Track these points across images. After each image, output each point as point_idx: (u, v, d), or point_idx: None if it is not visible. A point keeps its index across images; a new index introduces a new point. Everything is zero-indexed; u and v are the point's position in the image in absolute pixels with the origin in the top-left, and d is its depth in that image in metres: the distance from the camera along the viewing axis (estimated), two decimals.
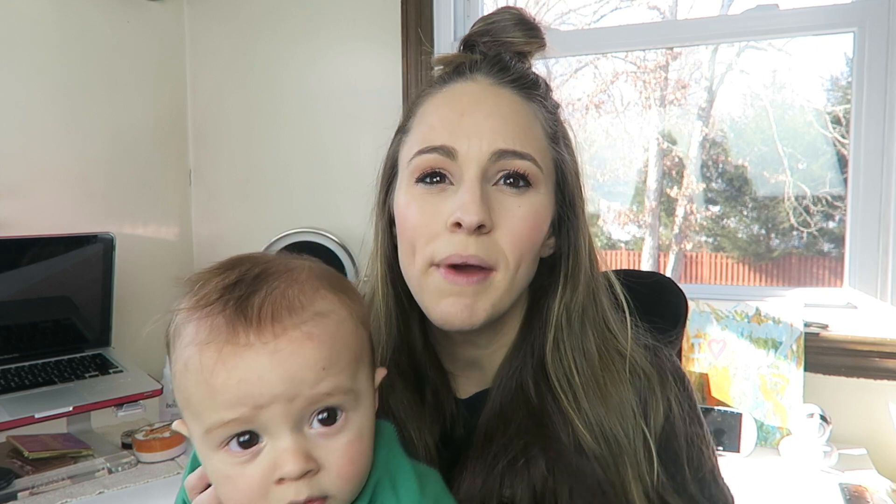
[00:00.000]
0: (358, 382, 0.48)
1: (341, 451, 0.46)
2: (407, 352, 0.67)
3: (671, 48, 2.45)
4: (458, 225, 0.57)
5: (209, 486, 0.52)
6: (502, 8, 0.68)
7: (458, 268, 0.58)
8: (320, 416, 0.46)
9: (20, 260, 1.44)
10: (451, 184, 0.60)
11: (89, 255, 1.55)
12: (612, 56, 2.59)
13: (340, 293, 0.50)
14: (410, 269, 0.62)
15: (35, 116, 1.64)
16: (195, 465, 0.60)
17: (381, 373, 0.53)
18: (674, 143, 3.32)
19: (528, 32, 0.66)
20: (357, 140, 1.86)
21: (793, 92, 2.15)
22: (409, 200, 0.61)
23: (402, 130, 0.66)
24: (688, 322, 0.90)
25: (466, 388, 0.69)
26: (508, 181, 0.60)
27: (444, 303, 0.59)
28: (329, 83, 1.88)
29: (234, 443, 0.45)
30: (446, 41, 1.76)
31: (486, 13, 0.70)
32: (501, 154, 0.59)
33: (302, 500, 0.44)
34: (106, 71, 1.79)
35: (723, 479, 0.65)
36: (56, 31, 1.68)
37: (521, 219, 0.59)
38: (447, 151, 0.59)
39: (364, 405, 0.49)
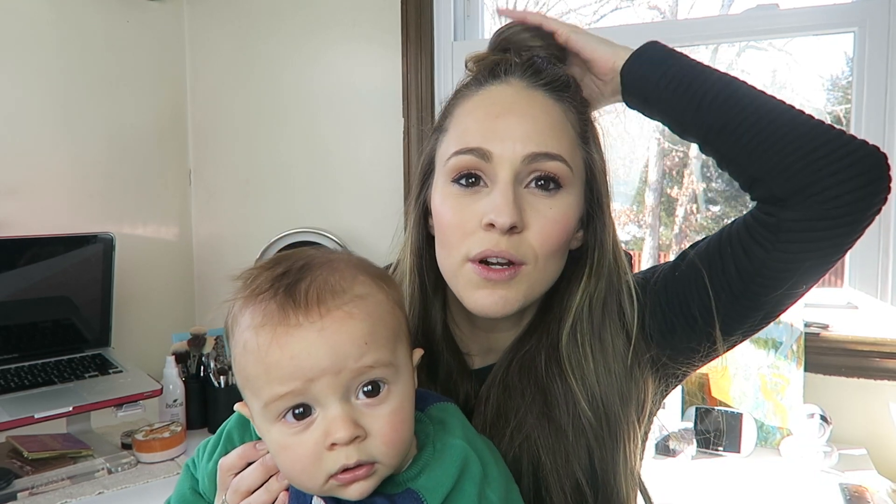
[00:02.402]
0: (397, 357, 0.52)
1: (385, 419, 0.50)
2: (423, 335, 0.70)
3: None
4: (492, 225, 0.60)
5: (248, 464, 0.56)
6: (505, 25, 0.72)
7: (490, 264, 0.62)
8: (365, 389, 0.50)
9: (20, 260, 1.44)
10: (486, 185, 0.63)
11: (89, 255, 1.55)
12: None
13: (377, 279, 0.54)
14: (446, 262, 0.66)
15: (35, 116, 1.64)
16: (188, 471, 0.64)
17: (417, 353, 0.57)
18: (674, 142, 3.33)
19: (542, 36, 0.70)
20: (357, 140, 1.86)
21: (793, 92, 2.14)
22: (444, 199, 0.65)
23: (440, 130, 0.69)
24: None
25: (480, 364, 0.73)
26: (540, 183, 0.63)
27: (480, 293, 0.63)
28: (329, 83, 1.88)
29: (289, 415, 0.50)
30: (446, 41, 1.76)
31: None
32: (534, 157, 0.62)
33: (352, 463, 0.49)
34: (106, 71, 1.79)
35: None
36: (55, 31, 1.68)
37: (552, 220, 0.63)
38: (482, 153, 0.62)
39: (404, 379, 0.53)
